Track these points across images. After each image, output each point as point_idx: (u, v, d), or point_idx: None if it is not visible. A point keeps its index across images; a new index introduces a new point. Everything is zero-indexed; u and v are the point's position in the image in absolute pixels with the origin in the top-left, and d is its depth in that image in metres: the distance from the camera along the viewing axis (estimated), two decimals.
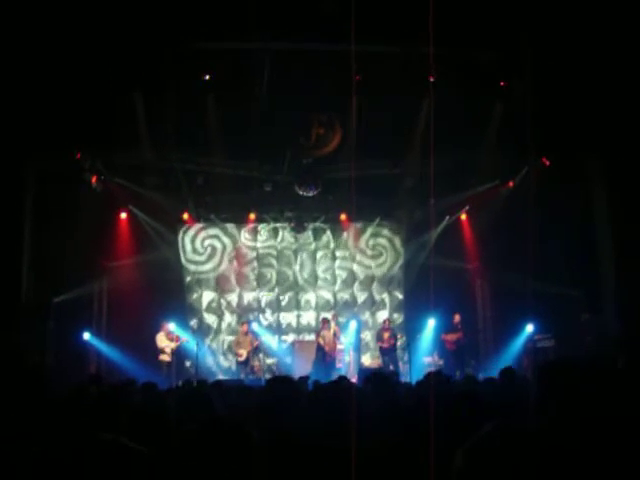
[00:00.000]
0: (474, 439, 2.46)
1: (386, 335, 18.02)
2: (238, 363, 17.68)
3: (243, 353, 17.46)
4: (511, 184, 18.29)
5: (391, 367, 17.13)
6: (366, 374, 13.61)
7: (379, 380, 6.21)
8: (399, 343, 18.56)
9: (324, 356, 17.33)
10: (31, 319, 15.35)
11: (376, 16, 10.44)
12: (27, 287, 15.83)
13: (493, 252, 18.22)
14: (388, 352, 17.93)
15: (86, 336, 16.94)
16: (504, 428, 2.46)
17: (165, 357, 16.89)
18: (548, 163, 17.11)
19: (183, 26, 13.18)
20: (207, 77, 15.15)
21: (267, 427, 3.81)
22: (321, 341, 17.47)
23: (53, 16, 12.29)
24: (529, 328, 17.20)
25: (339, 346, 18.28)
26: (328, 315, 18.77)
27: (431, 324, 18.46)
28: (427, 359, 18.35)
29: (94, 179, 17.13)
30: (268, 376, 16.91)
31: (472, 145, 16.75)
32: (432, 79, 14.48)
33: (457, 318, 18.03)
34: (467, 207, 19.45)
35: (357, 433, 3.28)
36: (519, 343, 17.42)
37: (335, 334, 17.66)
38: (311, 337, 18.61)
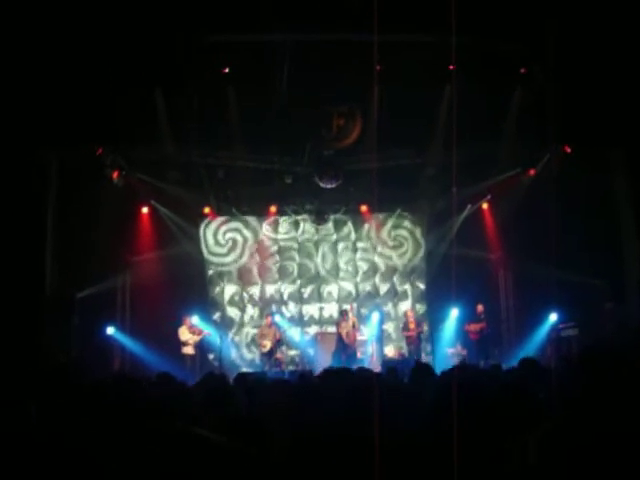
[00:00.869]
0: (542, 431, 2.45)
1: (412, 325, 18.02)
2: (262, 355, 17.73)
3: (267, 344, 17.50)
4: (532, 172, 18.17)
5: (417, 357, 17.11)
6: (389, 365, 13.65)
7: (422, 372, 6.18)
8: (423, 333, 18.53)
9: (344, 347, 17.37)
10: (55, 314, 15.45)
11: (397, 5, 10.37)
12: (51, 282, 15.94)
13: (515, 241, 18.12)
14: (414, 342, 17.93)
15: (110, 331, 17.01)
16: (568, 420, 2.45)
17: (188, 350, 16.96)
18: (570, 150, 16.99)
19: (202, 19, 13.20)
20: (227, 70, 15.17)
21: (294, 422, 3.81)
22: (342, 331, 17.50)
23: (76, 13, 12.34)
24: (552, 317, 17.10)
25: (359, 337, 18.30)
26: (347, 306, 18.81)
27: (454, 314, 18.40)
28: (450, 350, 18.30)
29: (116, 174, 17.18)
30: (291, 368, 16.97)
31: (493, 133, 16.68)
32: (453, 68, 14.40)
33: (480, 308, 17.99)
34: (489, 196, 19.33)
35: (382, 423, 3.26)
36: (543, 332, 17.33)
37: (354, 325, 17.69)
38: (333, 329, 18.60)
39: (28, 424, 3.88)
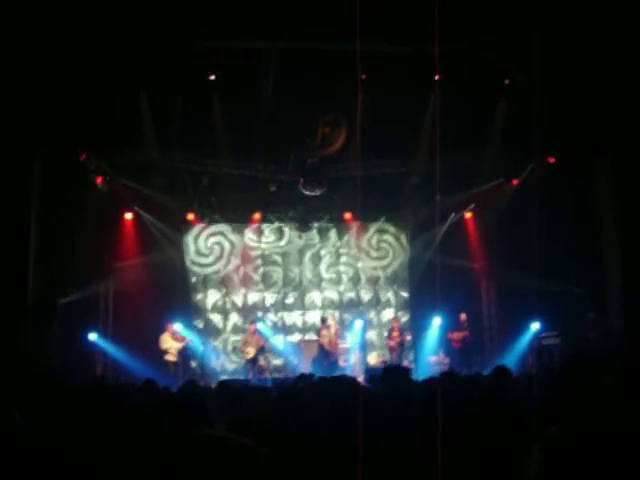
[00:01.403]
0: (546, 439, 2.47)
1: (395, 333, 18.06)
2: (246, 362, 17.69)
3: (251, 351, 17.47)
4: (515, 182, 18.28)
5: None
6: (372, 373, 13.66)
7: (395, 374, 6.20)
8: (406, 341, 18.55)
9: (326, 355, 17.38)
10: (37, 320, 15.37)
11: (382, 14, 10.44)
12: (33, 288, 15.85)
13: (498, 250, 18.21)
14: (396, 350, 17.96)
15: (92, 337, 16.94)
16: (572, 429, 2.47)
17: (171, 357, 16.90)
18: (553, 160, 17.11)
19: (188, 25, 13.20)
20: (212, 77, 15.18)
21: (276, 429, 3.81)
22: (322, 340, 17.52)
23: (60, 16, 12.31)
24: (535, 326, 17.20)
25: (342, 345, 18.32)
26: (328, 314, 18.83)
27: (437, 322, 18.46)
28: (433, 358, 18.34)
29: (99, 179, 17.15)
30: (275, 376, 16.94)
31: (477, 143, 16.76)
32: (437, 77, 14.47)
33: (463, 317, 18.06)
34: (472, 205, 19.42)
35: (365, 431, 3.27)
36: (525, 341, 17.41)
37: (336, 333, 17.72)
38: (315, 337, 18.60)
39: (12, 429, 3.87)
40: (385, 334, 18.89)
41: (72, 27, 12.73)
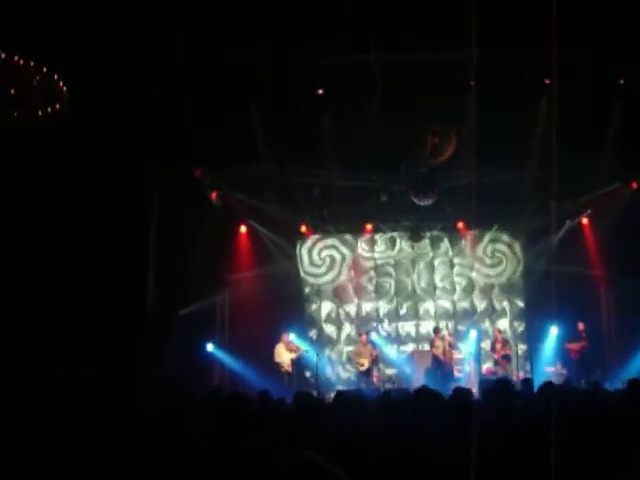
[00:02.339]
0: None
1: (499, 346, 17.77)
2: (359, 373, 17.73)
3: (365, 363, 17.52)
4: (635, 185, 17.70)
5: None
6: (487, 384, 13.46)
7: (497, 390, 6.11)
8: (520, 352, 18.15)
9: (440, 366, 17.21)
10: (156, 332, 15.86)
11: (492, 21, 10.32)
12: (152, 301, 16.37)
13: (617, 257, 17.65)
14: (501, 363, 17.65)
15: (210, 348, 17.34)
16: None
17: (285, 367, 17.12)
18: None
19: (297, 40, 13.40)
20: (321, 91, 15.35)
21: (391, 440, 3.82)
22: (435, 351, 17.37)
23: (175, 36, 12.73)
24: None
25: (456, 355, 18.12)
26: (441, 324, 18.64)
27: (554, 332, 17.99)
28: (550, 369, 17.88)
29: (214, 195, 17.62)
30: (388, 386, 16.90)
31: (592, 147, 16.32)
32: (548, 81, 14.19)
33: (581, 326, 17.56)
34: (588, 211, 18.89)
35: (477, 444, 3.23)
36: None
37: (450, 344, 17.53)
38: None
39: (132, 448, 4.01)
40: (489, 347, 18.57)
41: (187, 47, 13.13)
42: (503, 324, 19.50)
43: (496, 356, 17.84)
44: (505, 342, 18.03)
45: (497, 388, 6.44)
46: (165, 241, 16.53)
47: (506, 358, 17.73)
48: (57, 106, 10.30)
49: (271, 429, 4.65)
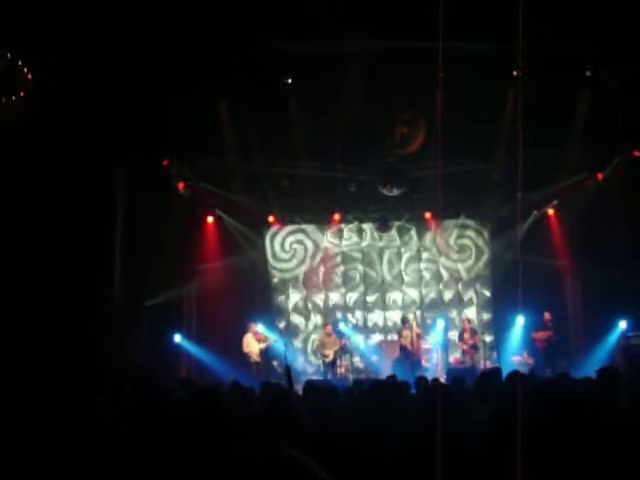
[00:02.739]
0: None
1: (467, 335, 17.87)
2: (325, 364, 17.73)
3: (330, 354, 17.52)
4: (600, 176, 17.86)
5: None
6: (455, 373, 13.55)
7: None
8: (487, 341, 18.27)
9: (407, 356, 17.27)
10: (124, 322, 15.74)
11: (460, 11, 10.32)
12: (119, 291, 16.23)
13: (583, 247, 17.81)
14: (469, 352, 17.76)
15: (177, 338, 17.26)
16: None
17: (253, 357, 17.10)
18: (638, 154, 16.65)
19: (265, 29, 13.32)
20: (290, 80, 15.28)
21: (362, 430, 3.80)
22: (403, 341, 17.42)
23: (143, 28, 12.60)
24: (622, 325, 16.75)
25: (424, 345, 18.21)
26: (410, 315, 18.69)
27: (520, 322, 18.12)
28: (516, 358, 18.03)
29: (181, 185, 17.51)
30: (356, 376, 16.93)
31: (559, 138, 16.43)
32: (517, 73, 14.27)
33: (547, 316, 17.69)
34: (555, 202, 19.03)
35: (445, 432, 3.22)
36: (612, 340, 16.96)
37: (418, 335, 17.60)
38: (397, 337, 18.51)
39: (103, 430, 3.96)
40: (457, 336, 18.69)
41: (154, 39, 13.01)
42: (471, 313, 19.61)
43: (464, 346, 17.94)
44: (473, 332, 18.12)
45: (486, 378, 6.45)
46: (132, 231, 16.38)
47: (474, 347, 17.84)
48: (21, 94, 10.16)
49: (243, 421, 4.61)
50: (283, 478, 1.96)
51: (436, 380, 10.34)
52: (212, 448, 3.14)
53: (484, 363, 17.31)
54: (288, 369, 10.55)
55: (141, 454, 3.44)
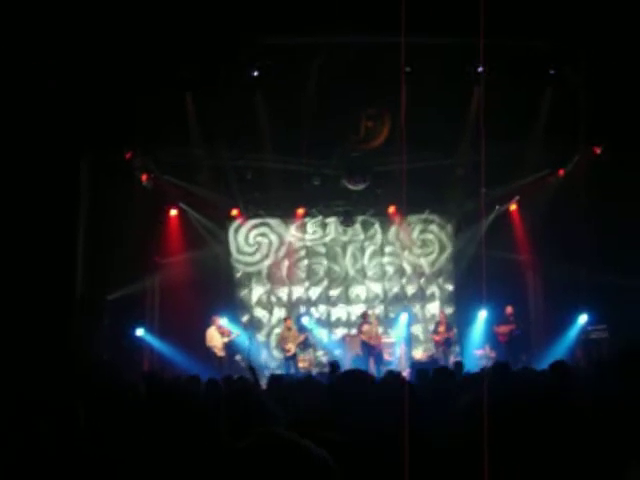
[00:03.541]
0: None
1: (442, 328, 17.96)
2: (287, 358, 17.72)
3: (291, 348, 17.50)
4: (562, 173, 18.06)
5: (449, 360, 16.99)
6: (419, 368, 13.61)
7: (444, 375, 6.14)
8: (452, 339, 18.39)
9: (370, 350, 17.32)
10: (86, 316, 15.57)
11: (425, 6, 10.36)
12: (81, 284, 16.05)
13: (545, 242, 18.02)
14: (442, 346, 17.85)
15: (139, 332, 17.13)
16: None
17: (217, 352, 17.03)
18: (599, 151, 16.85)
19: (231, 21, 13.24)
20: (255, 73, 15.21)
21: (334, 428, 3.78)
22: (364, 337, 17.46)
23: (104, 18, 12.46)
24: (582, 319, 16.99)
25: (385, 339, 18.29)
26: (371, 310, 18.77)
27: (482, 316, 18.29)
28: (479, 351, 18.20)
29: (145, 177, 17.35)
30: (319, 370, 16.95)
31: (522, 134, 16.56)
32: (481, 69, 14.35)
33: (509, 310, 17.87)
34: (517, 197, 19.22)
35: (412, 427, 3.23)
36: (572, 334, 17.19)
37: (376, 327, 17.68)
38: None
39: (75, 427, 3.91)
40: (431, 328, 18.81)
41: (116, 29, 12.87)
42: (433, 308, 19.78)
43: (438, 338, 17.99)
44: (449, 326, 18.20)
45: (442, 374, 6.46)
46: (95, 224, 16.20)
47: (447, 342, 17.92)
48: None
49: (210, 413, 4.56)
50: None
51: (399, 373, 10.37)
52: (184, 441, 3.12)
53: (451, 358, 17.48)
54: (252, 368, 10.60)
55: (114, 451, 3.40)
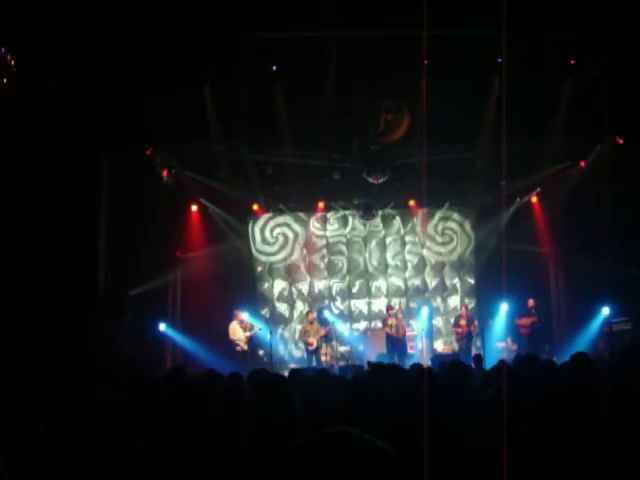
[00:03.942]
0: None
1: (463, 322, 17.92)
2: (309, 352, 17.76)
3: (313, 342, 17.51)
4: (583, 164, 17.95)
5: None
6: (440, 360, 13.60)
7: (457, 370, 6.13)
8: (473, 332, 18.35)
9: (395, 344, 17.32)
10: (109, 312, 15.69)
11: None
12: (104, 280, 16.17)
13: (566, 234, 17.93)
14: (464, 339, 17.82)
15: (162, 327, 17.22)
16: None
17: (241, 344, 17.08)
18: (622, 142, 16.72)
19: (250, 16, 13.26)
20: (274, 67, 15.23)
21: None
22: (388, 330, 17.46)
23: (124, 15, 12.51)
24: (605, 311, 16.89)
25: (409, 332, 18.29)
26: (394, 303, 18.77)
27: (504, 309, 18.24)
28: (500, 344, 18.16)
29: (165, 173, 17.43)
30: (341, 364, 16.98)
31: (542, 126, 16.47)
32: (501, 61, 14.28)
33: (531, 302, 17.80)
34: (538, 189, 19.12)
35: (433, 420, 3.25)
36: (595, 327, 17.10)
37: (400, 320, 17.66)
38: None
39: (92, 420, 3.95)
40: (452, 321, 18.77)
41: (137, 26, 12.92)
42: (454, 301, 19.77)
43: (459, 330, 17.97)
44: (470, 319, 18.16)
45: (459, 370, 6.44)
46: (116, 220, 16.31)
47: (468, 335, 17.88)
48: (4, 81, 10.07)
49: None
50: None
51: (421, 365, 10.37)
52: (212, 437, 3.15)
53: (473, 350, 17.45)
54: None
55: (138, 445, 3.45)
